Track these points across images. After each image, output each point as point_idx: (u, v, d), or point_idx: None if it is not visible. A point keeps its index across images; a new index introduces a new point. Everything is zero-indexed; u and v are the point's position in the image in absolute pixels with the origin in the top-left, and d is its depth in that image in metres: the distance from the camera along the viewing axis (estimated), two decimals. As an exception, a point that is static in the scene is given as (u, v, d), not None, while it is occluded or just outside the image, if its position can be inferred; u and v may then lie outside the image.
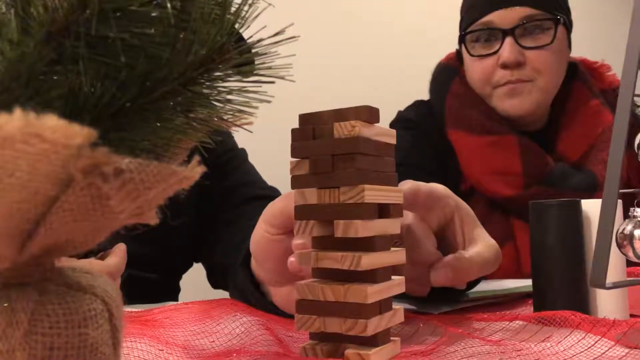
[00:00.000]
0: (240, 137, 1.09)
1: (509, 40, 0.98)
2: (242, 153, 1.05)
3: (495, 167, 1.00)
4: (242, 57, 0.25)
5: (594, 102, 1.06)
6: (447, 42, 2.62)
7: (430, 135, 1.08)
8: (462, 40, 1.06)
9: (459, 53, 1.11)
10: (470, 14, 1.04)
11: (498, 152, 1.00)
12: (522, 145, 1.00)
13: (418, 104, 1.15)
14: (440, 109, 1.08)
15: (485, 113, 1.03)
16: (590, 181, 0.98)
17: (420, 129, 1.09)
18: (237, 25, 0.25)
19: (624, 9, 3.07)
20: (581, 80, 1.09)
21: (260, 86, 0.27)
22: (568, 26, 1.05)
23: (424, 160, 1.05)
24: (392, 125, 1.13)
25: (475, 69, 1.04)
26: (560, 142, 1.06)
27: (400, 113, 1.15)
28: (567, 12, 1.05)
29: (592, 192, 0.96)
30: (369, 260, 0.36)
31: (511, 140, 1.00)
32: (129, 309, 0.59)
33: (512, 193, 0.98)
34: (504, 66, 0.99)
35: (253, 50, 0.26)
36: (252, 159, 1.09)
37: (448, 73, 1.11)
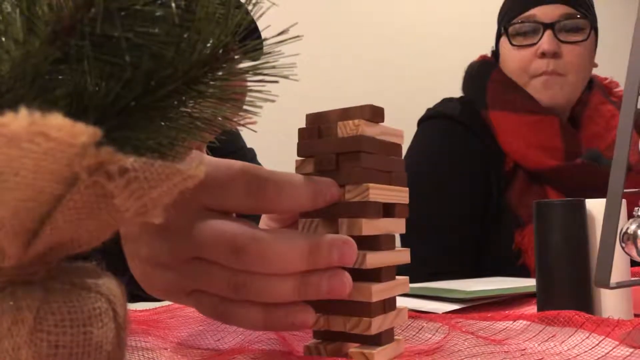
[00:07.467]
0: (247, 137, 1.09)
1: (548, 33, 1.08)
2: (250, 153, 1.06)
3: (539, 142, 1.08)
4: (249, 55, 0.25)
5: (610, 107, 1.17)
6: (453, 43, 2.62)
7: (467, 124, 1.13)
8: (504, 30, 1.15)
9: (494, 53, 1.22)
10: (514, 7, 1.14)
11: (541, 129, 1.09)
12: (561, 125, 1.10)
13: (448, 99, 1.22)
14: (479, 97, 1.15)
15: (527, 96, 1.11)
16: None
17: (456, 120, 1.14)
18: (242, 24, 0.25)
19: (623, 11, 3.06)
20: (598, 88, 1.20)
21: (264, 85, 0.27)
22: (596, 33, 1.15)
23: (461, 150, 1.11)
24: (423, 121, 1.19)
25: (514, 58, 1.13)
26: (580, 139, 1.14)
27: (430, 110, 1.20)
28: (596, 20, 1.15)
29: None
30: (374, 259, 0.36)
31: (552, 120, 1.10)
32: (133, 307, 0.59)
33: (556, 163, 1.06)
34: (542, 55, 1.09)
35: (259, 49, 0.26)
36: (258, 158, 1.09)
37: (487, 66, 1.19)
